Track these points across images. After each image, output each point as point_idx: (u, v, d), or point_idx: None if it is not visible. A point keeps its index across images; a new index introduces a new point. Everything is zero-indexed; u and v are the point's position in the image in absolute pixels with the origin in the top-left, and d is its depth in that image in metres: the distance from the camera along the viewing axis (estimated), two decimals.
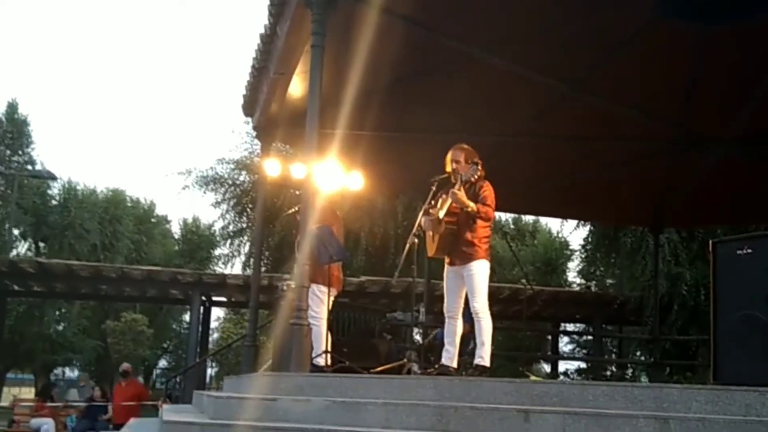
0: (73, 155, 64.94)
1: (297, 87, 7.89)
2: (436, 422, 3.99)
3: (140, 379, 35.05)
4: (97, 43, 74.29)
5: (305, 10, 6.25)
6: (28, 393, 25.76)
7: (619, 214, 12.35)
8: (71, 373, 32.75)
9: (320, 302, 6.52)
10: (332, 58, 6.39)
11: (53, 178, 25.16)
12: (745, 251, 4.60)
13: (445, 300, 5.96)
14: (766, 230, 11.30)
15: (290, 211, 7.49)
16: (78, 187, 29.36)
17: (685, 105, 8.75)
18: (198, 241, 31.89)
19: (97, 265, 16.67)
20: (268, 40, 7.52)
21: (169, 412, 6.58)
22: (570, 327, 21.17)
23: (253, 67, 8.17)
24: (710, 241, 4.86)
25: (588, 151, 9.74)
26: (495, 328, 5.79)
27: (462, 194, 5.67)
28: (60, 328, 27.34)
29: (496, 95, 8.58)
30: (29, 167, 27.38)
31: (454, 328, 5.90)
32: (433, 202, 6.03)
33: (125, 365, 13.56)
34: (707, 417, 3.54)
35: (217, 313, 28.92)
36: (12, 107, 28.78)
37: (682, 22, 7.30)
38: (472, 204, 5.69)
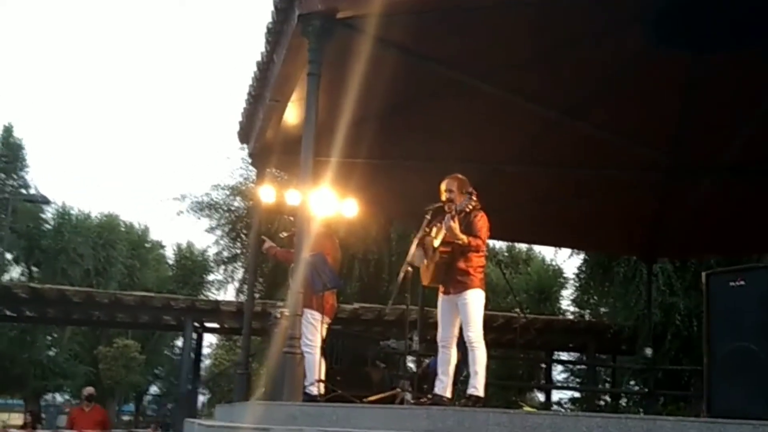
0: (67, 180, 64.99)
1: (292, 114, 7.93)
2: None
3: (131, 405, 34.84)
4: (92, 67, 74.66)
5: (302, 39, 6.31)
6: (17, 419, 25.50)
7: (611, 244, 12.36)
8: (62, 398, 32.47)
9: (314, 330, 6.49)
10: (327, 86, 6.43)
11: (47, 202, 25.16)
12: (738, 283, 4.60)
13: (439, 329, 5.93)
14: (759, 261, 11.37)
15: (284, 234, 7.52)
16: (72, 212, 29.39)
17: (678, 133, 8.81)
18: (192, 267, 31.83)
19: (90, 290, 16.57)
20: (264, 67, 7.57)
21: None
22: (564, 356, 21.09)
23: (249, 94, 8.22)
24: (703, 273, 4.87)
25: (579, 179, 9.79)
26: (489, 357, 5.77)
27: (456, 226, 5.67)
28: (51, 353, 27.16)
29: (489, 123, 8.62)
30: (23, 191, 27.39)
31: (448, 357, 5.87)
32: (427, 230, 6.02)
33: (89, 389, 12.95)
34: None
35: (209, 340, 28.79)
36: (8, 131, 28.87)
37: (674, 52, 7.38)
38: (463, 237, 5.69)
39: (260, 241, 7.96)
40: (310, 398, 6.02)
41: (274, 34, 6.97)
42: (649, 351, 12.78)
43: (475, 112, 8.40)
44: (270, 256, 8.35)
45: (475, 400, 5.57)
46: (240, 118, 8.90)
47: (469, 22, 6.95)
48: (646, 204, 10.28)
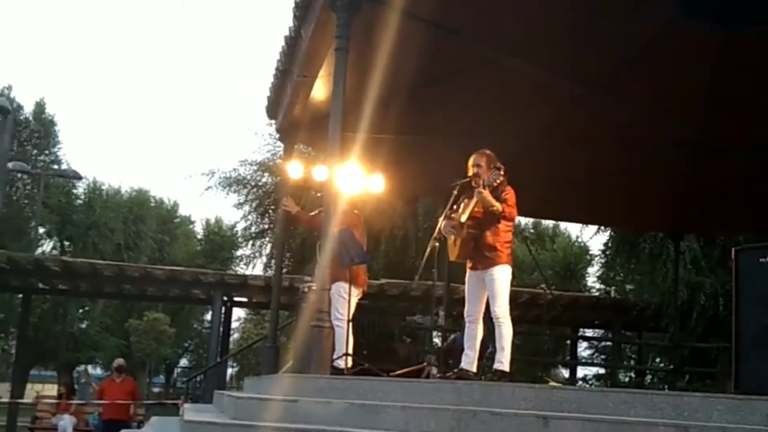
0: (98, 155, 65.66)
1: (320, 90, 7.94)
2: (455, 426, 4.01)
3: (161, 377, 35.43)
4: (123, 43, 75.03)
5: (330, 13, 6.30)
6: (51, 390, 26.07)
7: (639, 220, 12.26)
8: (93, 370, 33.09)
9: (344, 302, 6.44)
10: (355, 61, 6.43)
11: (78, 177, 25.45)
12: (767, 259, 4.57)
13: (466, 304, 5.96)
14: None
15: (313, 213, 7.54)
16: (103, 187, 29.74)
17: (707, 110, 8.69)
18: (220, 242, 32.14)
19: (121, 264, 16.81)
20: (292, 42, 7.58)
21: (190, 411, 6.64)
22: (589, 332, 21.02)
23: (277, 69, 8.23)
24: (732, 249, 4.84)
25: (608, 155, 9.69)
26: (514, 333, 5.79)
27: (487, 193, 5.67)
28: (83, 326, 27.64)
29: (517, 99, 8.57)
30: (55, 166, 27.74)
31: (474, 333, 5.90)
32: (455, 207, 6.03)
33: (120, 360, 13.34)
34: (727, 426, 3.54)
35: (238, 314, 29.09)
36: (40, 107, 29.20)
37: (704, 26, 7.25)
38: (497, 204, 5.69)
39: (285, 203, 7.92)
40: (337, 371, 6.07)
41: (302, 9, 6.97)
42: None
43: (504, 88, 8.35)
44: (297, 220, 8.33)
45: (501, 375, 5.60)
46: (268, 94, 8.92)
47: None
48: (674, 180, 10.17)
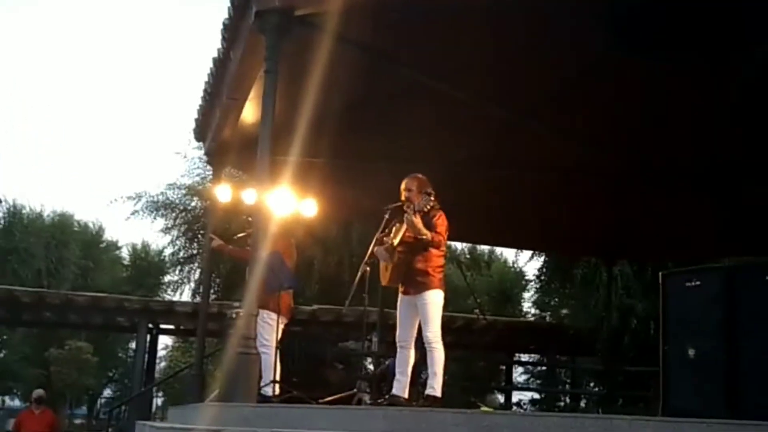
0: (17, 177, 63.38)
1: (250, 113, 7.81)
2: None
3: (84, 409, 34.18)
4: (44, 60, 72.97)
5: (259, 36, 6.21)
6: None
7: (572, 246, 12.46)
8: (11, 402, 31.70)
9: (270, 329, 6.42)
10: (286, 84, 6.35)
11: None
12: (693, 283, 4.65)
13: (398, 329, 5.90)
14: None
15: (240, 235, 7.42)
16: (23, 211, 28.69)
17: (637, 139, 8.90)
18: (147, 268, 31.26)
19: (41, 291, 16.18)
20: (221, 64, 7.46)
21: None
22: (524, 357, 21.19)
23: (205, 91, 8.09)
24: (660, 273, 4.91)
25: (541, 182, 9.83)
26: (448, 359, 5.75)
27: (418, 220, 5.65)
28: (1, 355, 26.50)
29: (450, 125, 8.62)
30: None
31: (407, 358, 5.84)
32: (386, 231, 5.99)
33: (39, 391, 12.69)
34: None
35: (165, 341, 28.33)
36: None
37: (633, 58, 7.44)
38: (426, 231, 5.67)
39: (209, 239, 7.89)
40: (265, 399, 5.94)
41: (231, 31, 6.87)
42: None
43: (437, 113, 8.39)
44: (221, 253, 8.29)
45: (433, 401, 5.54)
46: (196, 116, 8.76)
47: (430, 22, 6.93)
48: (606, 207, 10.36)
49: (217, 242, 7.69)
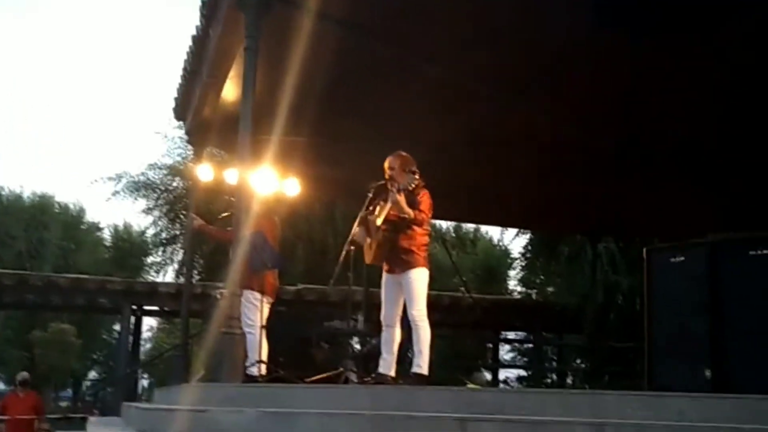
0: None
1: (230, 91, 7.74)
2: (371, 431, 3.90)
3: (69, 391, 34.10)
4: (21, 39, 71.98)
5: (238, 13, 6.13)
6: None
7: (557, 223, 12.48)
8: None
9: (255, 309, 6.37)
10: (267, 63, 6.28)
11: None
12: (677, 259, 4.66)
13: (383, 308, 5.88)
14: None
15: (223, 215, 7.37)
16: (2, 192, 28.43)
17: (622, 116, 8.88)
18: (129, 249, 31.08)
19: (22, 273, 16.05)
20: (200, 42, 7.37)
21: (94, 424, 6.33)
22: (511, 335, 21.33)
23: (184, 69, 7.99)
24: (644, 249, 4.92)
25: (526, 159, 9.80)
26: (434, 337, 5.74)
27: (402, 199, 5.61)
28: None
29: (434, 102, 8.55)
30: None
31: (392, 337, 5.82)
32: (370, 209, 5.96)
33: (23, 374, 12.63)
34: (642, 423, 3.56)
35: (149, 323, 28.27)
36: None
37: (617, 35, 7.39)
38: (409, 210, 5.64)
39: (191, 219, 7.83)
40: (250, 379, 5.91)
41: (210, 8, 6.79)
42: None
43: (420, 91, 8.31)
44: (202, 233, 8.24)
45: (419, 379, 5.54)
46: (176, 95, 8.66)
47: None
48: (591, 184, 10.37)
49: (198, 222, 7.63)
